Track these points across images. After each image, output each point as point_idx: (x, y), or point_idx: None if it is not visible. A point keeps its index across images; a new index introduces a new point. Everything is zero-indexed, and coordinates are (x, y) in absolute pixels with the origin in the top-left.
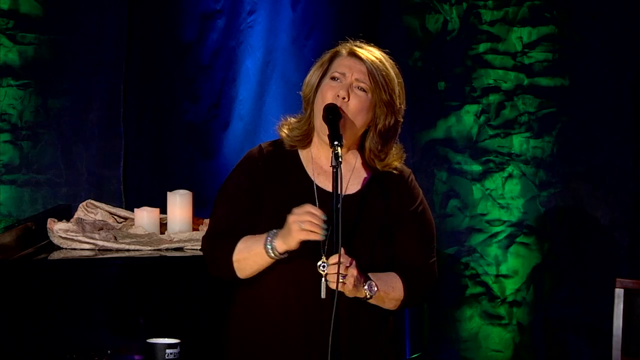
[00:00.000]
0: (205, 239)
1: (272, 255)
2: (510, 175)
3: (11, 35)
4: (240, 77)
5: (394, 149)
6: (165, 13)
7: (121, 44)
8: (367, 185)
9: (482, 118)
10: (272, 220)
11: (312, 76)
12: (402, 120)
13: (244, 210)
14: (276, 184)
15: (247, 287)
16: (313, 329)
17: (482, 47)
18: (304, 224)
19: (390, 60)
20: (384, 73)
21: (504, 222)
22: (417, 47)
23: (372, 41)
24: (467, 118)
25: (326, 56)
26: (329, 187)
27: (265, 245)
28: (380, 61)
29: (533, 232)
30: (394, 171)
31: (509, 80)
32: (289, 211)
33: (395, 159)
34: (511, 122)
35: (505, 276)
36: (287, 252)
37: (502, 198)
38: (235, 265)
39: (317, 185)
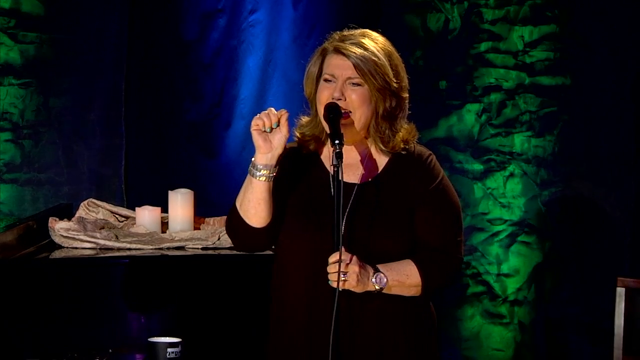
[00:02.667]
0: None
1: (254, 171)
2: (511, 175)
3: (12, 34)
4: (242, 76)
5: (404, 129)
6: (166, 12)
7: (122, 43)
8: (384, 171)
9: (484, 117)
10: (292, 215)
11: (309, 77)
12: (406, 95)
13: None
14: (297, 180)
15: (275, 292)
16: (326, 327)
17: (483, 46)
18: (252, 122)
19: (381, 41)
20: (371, 61)
21: (505, 221)
22: (418, 46)
23: None
24: (469, 117)
25: (316, 54)
26: (346, 179)
27: (249, 169)
28: (367, 49)
29: (534, 231)
30: (413, 153)
31: (510, 79)
32: (307, 204)
33: (401, 139)
34: (512, 121)
35: (507, 275)
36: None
37: (503, 197)
38: (241, 213)
39: (333, 177)
